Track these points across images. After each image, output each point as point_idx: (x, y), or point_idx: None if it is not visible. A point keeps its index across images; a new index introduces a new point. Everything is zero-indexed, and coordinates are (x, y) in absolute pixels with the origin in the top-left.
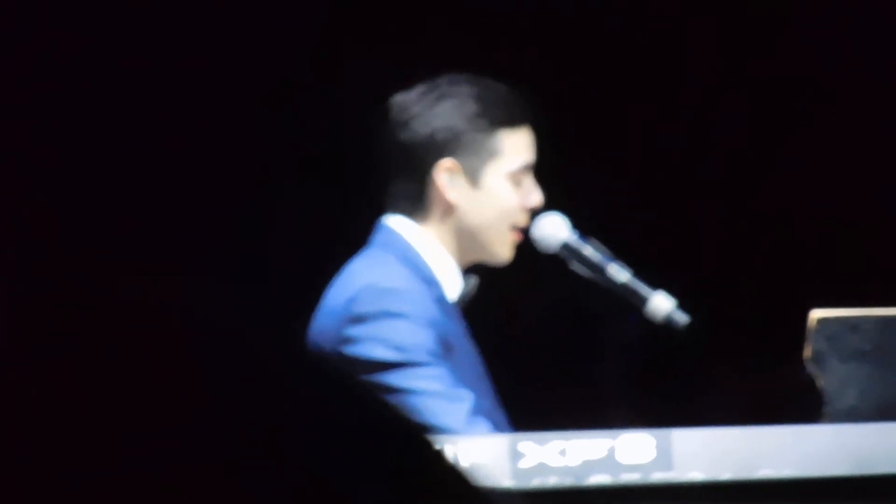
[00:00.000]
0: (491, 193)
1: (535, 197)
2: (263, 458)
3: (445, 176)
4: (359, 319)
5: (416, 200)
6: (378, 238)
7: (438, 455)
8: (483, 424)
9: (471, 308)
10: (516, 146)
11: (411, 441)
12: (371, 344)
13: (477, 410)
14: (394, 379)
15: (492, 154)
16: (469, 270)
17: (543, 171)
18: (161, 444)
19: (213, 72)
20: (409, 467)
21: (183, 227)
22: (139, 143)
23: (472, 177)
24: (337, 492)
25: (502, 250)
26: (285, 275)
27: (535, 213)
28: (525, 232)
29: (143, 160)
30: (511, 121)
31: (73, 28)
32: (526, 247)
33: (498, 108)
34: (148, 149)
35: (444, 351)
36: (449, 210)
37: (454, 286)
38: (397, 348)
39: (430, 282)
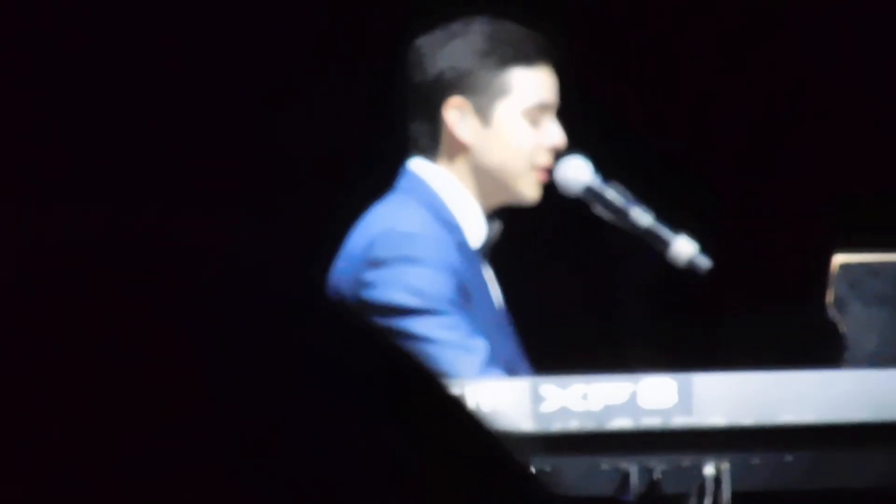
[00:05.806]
0: (503, 131)
1: (556, 136)
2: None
3: (455, 114)
4: (376, 264)
5: (432, 141)
6: (402, 182)
7: (457, 401)
8: (496, 376)
9: (493, 252)
10: (529, 84)
11: (429, 388)
12: (388, 289)
13: (491, 361)
14: (409, 325)
15: (502, 91)
16: (495, 215)
17: (566, 114)
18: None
19: (244, 12)
20: (428, 413)
21: (208, 185)
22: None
23: (483, 115)
24: (353, 437)
25: (527, 190)
26: (315, 222)
27: (559, 156)
28: (549, 173)
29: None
30: (523, 58)
31: None
32: (549, 190)
33: (509, 46)
34: (172, 86)
35: (463, 298)
36: (463, 150)
37: (478, 231)
38: (414, 294)
39: (452, 226)
